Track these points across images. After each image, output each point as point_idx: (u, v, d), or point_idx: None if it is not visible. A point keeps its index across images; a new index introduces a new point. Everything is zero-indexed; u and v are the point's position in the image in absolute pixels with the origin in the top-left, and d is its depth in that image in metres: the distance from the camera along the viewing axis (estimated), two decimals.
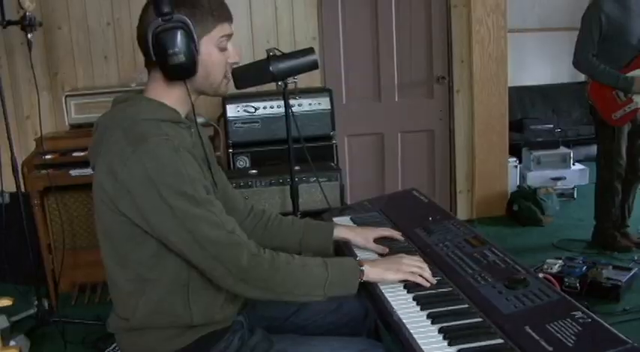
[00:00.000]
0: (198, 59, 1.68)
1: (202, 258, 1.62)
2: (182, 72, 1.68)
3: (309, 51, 2.62)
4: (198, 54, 1.68)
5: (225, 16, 1.74)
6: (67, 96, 4.08)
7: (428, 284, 1.76)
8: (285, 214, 3.28)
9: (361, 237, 2.14)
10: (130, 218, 1.62)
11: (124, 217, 1.63)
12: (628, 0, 4.16)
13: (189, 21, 1.64)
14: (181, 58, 1.64)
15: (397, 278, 1.78)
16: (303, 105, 4.05)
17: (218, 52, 1.74)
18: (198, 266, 1.65)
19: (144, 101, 1.74)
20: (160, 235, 1.62)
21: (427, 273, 1.79)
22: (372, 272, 1.78)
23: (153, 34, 1.64)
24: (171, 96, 1.75)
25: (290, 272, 1.69)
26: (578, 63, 4.28)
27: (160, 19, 1.63)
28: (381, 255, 2.05)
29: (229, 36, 1.76)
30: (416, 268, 1.79)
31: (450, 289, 1.74)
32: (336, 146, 4.15)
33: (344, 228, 2.19)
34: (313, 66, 2.63)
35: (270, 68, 2.52)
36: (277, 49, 2.53)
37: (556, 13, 7.38)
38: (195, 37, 1.66)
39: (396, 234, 2.17)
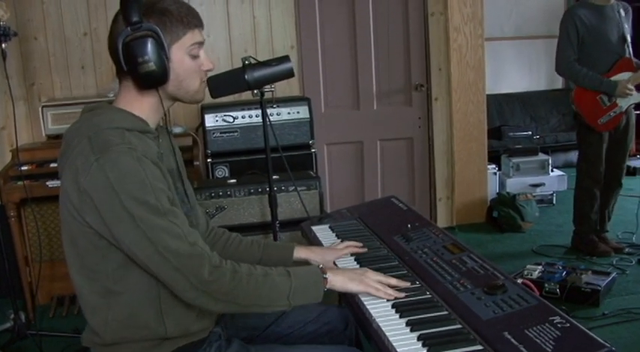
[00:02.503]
0: (169, 67, 1.67)
1: (164, 270, 1.60)
2: (153, 80, 1.67)
3: (285, 59, 2.61)
4: (169, 61, 1.68)
5: (195, 23, 1.72)
6: (43, 106, 4.04)
7: (390, 297, 1.75)
8: (264, 224, 3.28)
9: (320, 257, 2.12)
10: (95, 229, 1.60)
11: (89, 228, 1.61)
12: (603, 7, 4.22)
13: (158, 29, 1.63)
14: (152, 66, 1.63)
15: (360, 290, 1.78)
16: (282, 114, 4.05)
17: (190, 60, 1.73)
18: (160, 277, 1.62)
19: (111, 110, 1.72)
20: (123, 245, 1.60)
21: (390, 290, 1.78)
22: (335, 281, 1.78)
23: (123, 43, 1.63)
24: (143, 105, 1.74)
25: (253, 284, 1.67)
26: (560, 69, 4.34)
27: (129, 28, 1.62)
28: None
29: (201, 43, 1.74)
30: (378, 284, 1.78)
31: (429, 296, 1.74)
32: (316, 154, 4.15)
33: (304, 249, 2.17)
34: (289, 74, 2.61)
35: (246, 76, 2.50)
36: (252, 58, 2.52)
37: (532, 22, 7.45)
38: (165, 44, 1.65)
39: (358, 249, 2.16)
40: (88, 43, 4.45)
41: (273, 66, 2.55)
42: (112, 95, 4.11)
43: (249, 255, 2.12)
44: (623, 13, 4.26)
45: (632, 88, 4.16)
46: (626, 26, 4.24)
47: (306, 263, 2.13)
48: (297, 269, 1.77)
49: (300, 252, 2.14)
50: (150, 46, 1.62)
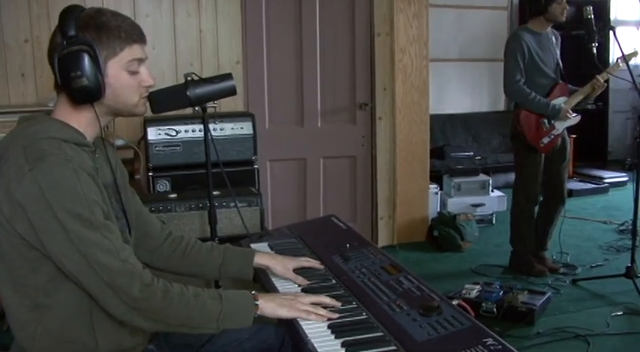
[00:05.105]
0: (104, 82, 1.65)
1: (95, 284, 1.57)
2: (87, 95, 1.64)
3: (227, 76, 2.59)
4: (105, 77, 1.65)
5: (134, 39, 1.70)
6: None
7: (322, 319, 1.74)
8: (203, 239, 3.25)
9: (281, 265, 2.11)
10: (26, 239, 1.57)
11: (20, 239, 1.57)
12: (540, 35, 4.39)
13: (94, 44, 1.61)
14: (84, 81, 1.61)
15: (290, 315, 1.76)
16: (225, 130, 4.02)
17: (128, 76, 1.70)
18: (91, 292, 1.60)
19: (47, 121, 1.69)
20: (54, 258, 1.57)
21: (322, 311, 1.76)
22: (266, 307, 1.76)
23: (58, 56, 1.61)
24: (80, 119, 1.71)
25: (183, 305, 1.65)
26: (509, 90, 4.44)
27: (64, 41, 1.60)
28: (300, 285, 2.04)
29: (141, 59, 1.72)
30: (310, 307, 1.78)
31: (365, 317, 1.73)
32: (258, 171, 4.13)
33: (265, 256, 2.16)
34: (231, 92, 2.60)
35: (188, 93, 2.49)
36: (195, 74, 2.50)
37: (476, 45, 7.62)
38: (100, 60, 1.63)
39: (316, 264, 2.16)
40: (29, 51, 4.35)
41: (216, 83, 2.54)
42: (52, 105, 3.95)
43: (210, 261, 2.11)
44: (554, 40, 4.44)
45: (571, 112, 4.32)
46: (558, 52, 4.43)
47: (266, 269, 2.13)
48: (229, 293, 1.75)
49: (262, 259, 2.13)
50: (84, 61, 1.60)
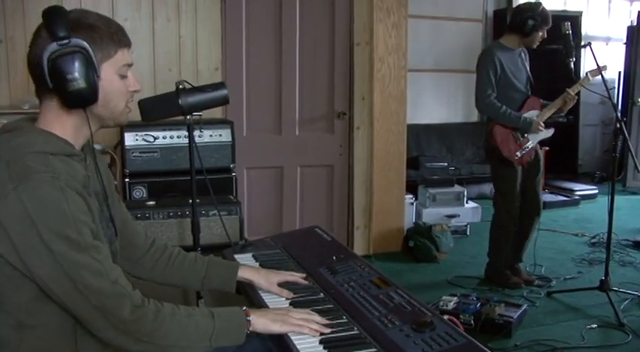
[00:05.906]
0: (99, 85, 1.60)
1: (83, 308, 1.52)
2: (82, 99, 1.58)
3: (220, 86, 2.57)
4: (99, 80, 1.60)
5: (125, 42, 1.66)
6: None
7: (315, 334, 1.72)
8: (185, 248, 3.21)
9: (265, 279, 2.08)
10: (8, 260, 1.50)
11: (1, 258, 1.50)
12: (512, 51, 4.46)
13: (88, 46, 1.56)
14: (81, 83, 1.55)
15: (283, 330, 1.74)
16: (203, 137, 3.98)
17: (119, 79, 1.66)
18: (78, 315, 1.54)
19: (33, 132, 1.61)
20: (39, 280, 1.50)
21: (315, 326, 1.74)
22: (258, 323, 1.74)
23: (49, 59, 1.53)
24: (67, 126, 1.64)
25: (175, 324, 1.62)
26: (481, 105, 4.47)
27: (55, 43, 1.53)
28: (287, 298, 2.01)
29: (130, 64, 1.68)
30: (302, 321, 1.75)
31: (357, 332, 1.71)
32: (236, 179, 4.09)
33: (248, 269, 2.13)
34: (223, 101, 2.58)
35: (180, 102, 2.45)
36: (187, 82, 2.46)
37: (452, 56, 7.66)
38: (95, 62, 1.57)
39: (300, 279, 2.13)
40: (3, 52, 4.25)
41: (208, 92, 2.51)
42: (26, 107, 3.95)
43: (193, 272, 2.08)
44: (523, 55, 4.52)
45: (543, 125, 4.39)
46: (528, 67, 4.51)
47: (250, 283, 2.10)
48: (221, 311, 1.72)
49: (245, 273, 2.10)
50: (79, 63, 1.54)
